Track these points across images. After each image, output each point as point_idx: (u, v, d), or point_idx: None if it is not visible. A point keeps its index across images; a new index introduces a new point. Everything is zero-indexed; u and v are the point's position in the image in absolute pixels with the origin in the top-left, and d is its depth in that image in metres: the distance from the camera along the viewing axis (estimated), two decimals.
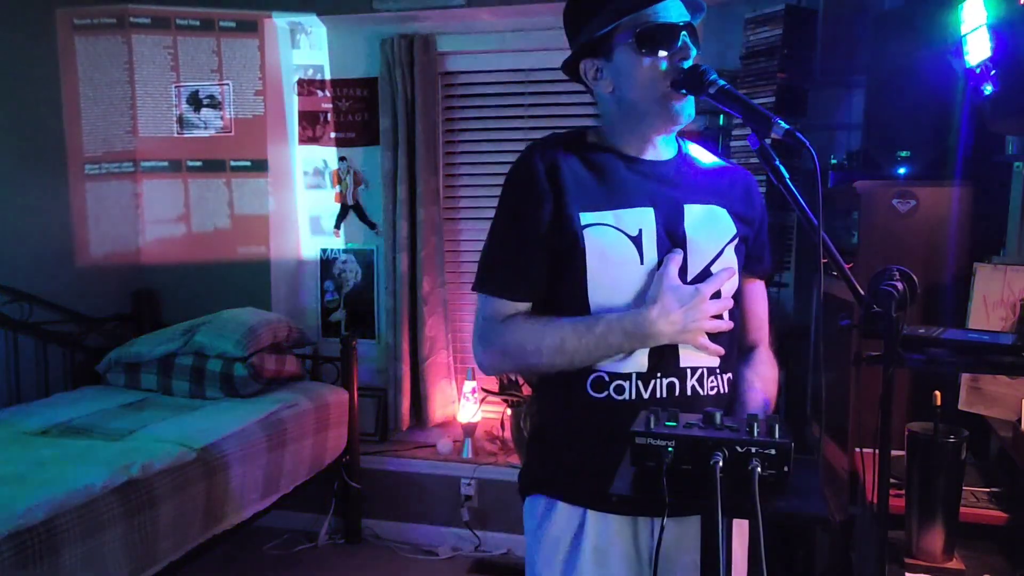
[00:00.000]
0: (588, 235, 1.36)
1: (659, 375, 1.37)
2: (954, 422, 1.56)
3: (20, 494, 2.12)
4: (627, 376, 1.37)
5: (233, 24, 3.66)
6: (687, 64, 1.34)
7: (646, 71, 1.35)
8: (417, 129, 3.49)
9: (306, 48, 3.77)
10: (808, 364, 3.08)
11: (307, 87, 3.79)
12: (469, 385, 3.55)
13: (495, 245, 1.45)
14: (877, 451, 1.21)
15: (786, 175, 1.28)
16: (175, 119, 3.79)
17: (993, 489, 1.79)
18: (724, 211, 1.44)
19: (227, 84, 3.72)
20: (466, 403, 3.55)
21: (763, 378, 1.49)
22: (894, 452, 1.25)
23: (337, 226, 3.83)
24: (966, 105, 2.19)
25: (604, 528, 1.41)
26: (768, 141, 1.28)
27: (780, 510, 1.11)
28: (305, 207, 3.87)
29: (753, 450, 1.11)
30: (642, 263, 1.37)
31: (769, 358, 1.55)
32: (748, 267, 1.48)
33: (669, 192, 1.41)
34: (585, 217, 1.36)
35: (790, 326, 3.16)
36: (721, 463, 1.10)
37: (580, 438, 1.41)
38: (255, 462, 2.83)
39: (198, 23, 3.70)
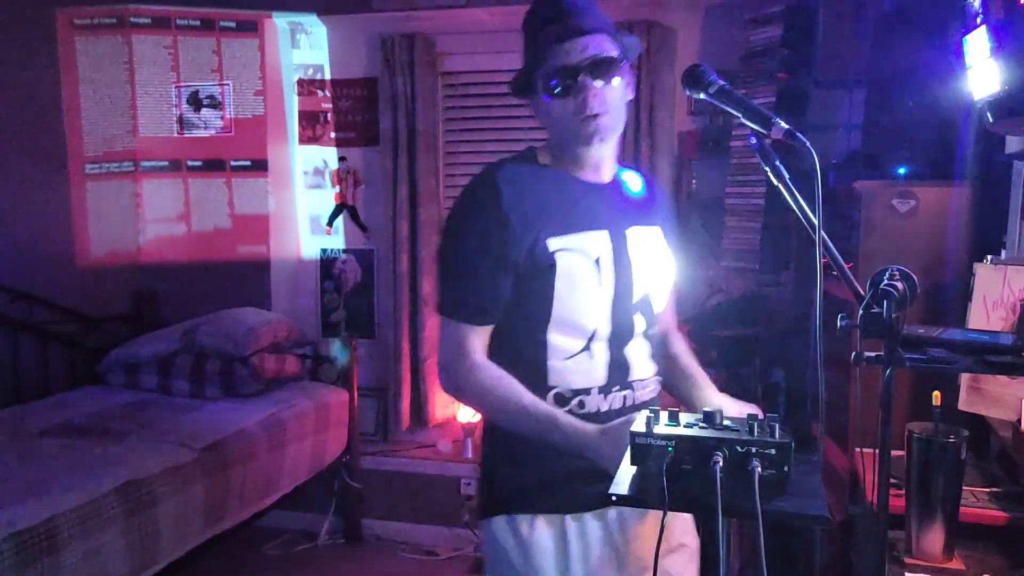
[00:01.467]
0: (559, 259, 1.39)
1: (616, 388, 1.45)
2: (954, 422, 1.56)
3: (20, 494, 2.12)
4: (588, 390, 1.43)
5: (233, 24, 3.66)
6: (589, 104, 1.37)
7: (555, 112, 1.41)
8: (417, 129, 3.49)
9: (306, 48, 3.77)
10: (808, 364, 3.08)
11: (307, 87, 3.79)
12: None
13: (462, 270, 1.44)
14: (877, 451, 1.21)
15: (786, 175, 1.28)
16: (175, 119, 3.79)
17: (993, 489, 1.79)
18: (658, 229, 1.54)
19: (227, 84, 3.72)
20: None
21: (689, 353, 1.65)
22: (894, 452, 1.25)
23: (330, 223, 3.82)
24: (966, 105, 2.19)
25: (583, 531, 1.45)
26: (768, 141, 1.29)
27: (780, 510, 1.11)
28: (305, 207, 3.87)
29: (753, 450, 1.11)
30: (600, 286, 1.41)
31: (683, 339, 1.70)
32: None
33: (616, 216, 1.47)
34: (552, 243, 1.39)
35: (790, 326, 3.16)
36: (721, 463, 1.10)
37: (549, 452, 1.40)
38: (255, 461, 2.83)
39: (198, 23, 3.70)
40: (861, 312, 1.20)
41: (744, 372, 3.12)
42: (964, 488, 1.57)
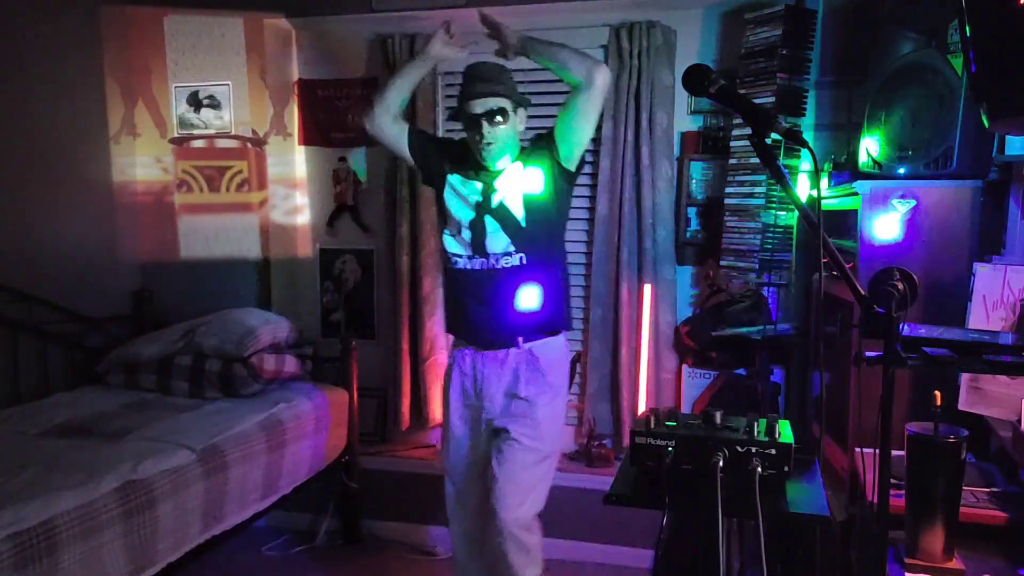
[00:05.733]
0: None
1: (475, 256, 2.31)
2: (954, 422, 1.56)
3: (19, 494, 2.12)
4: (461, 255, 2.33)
5: (233, 24, 3.66)
6: (487, 138, 2.24)
7: (472, 139, 2.29)
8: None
9: (306, 48, 3.76)
10: (808, 364, 3.08)
11: (307, 87, 3.78)
12: None
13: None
14: (877, 451, 1.21)
15: (786, 175, 1.28)
16: (175, 119, 3.79)
17: (993, 489, 1.79)
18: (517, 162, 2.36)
19: (227, 84, 3.72)
20: None
21: None
22: (894, 452, 1.25)
23: (330, 224, 3.82)
24: (966, 104, 2.19)
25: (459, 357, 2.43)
26: (768, 141, 1.28)
27: (780, 510, 1.11)
28: (305, 207, 3.87)
29: (753, 450, 1.11)
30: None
31: None
32: None
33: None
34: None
35: (790, 326, 3.16)
36: (721, 463, 1.10)
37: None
38: (255, 462, 2.83)
39: (199, 23, 3.70)
40: (861, 312, 1.20)
41: (744, 372, 3.13)
42: (964, 488, 1.57)
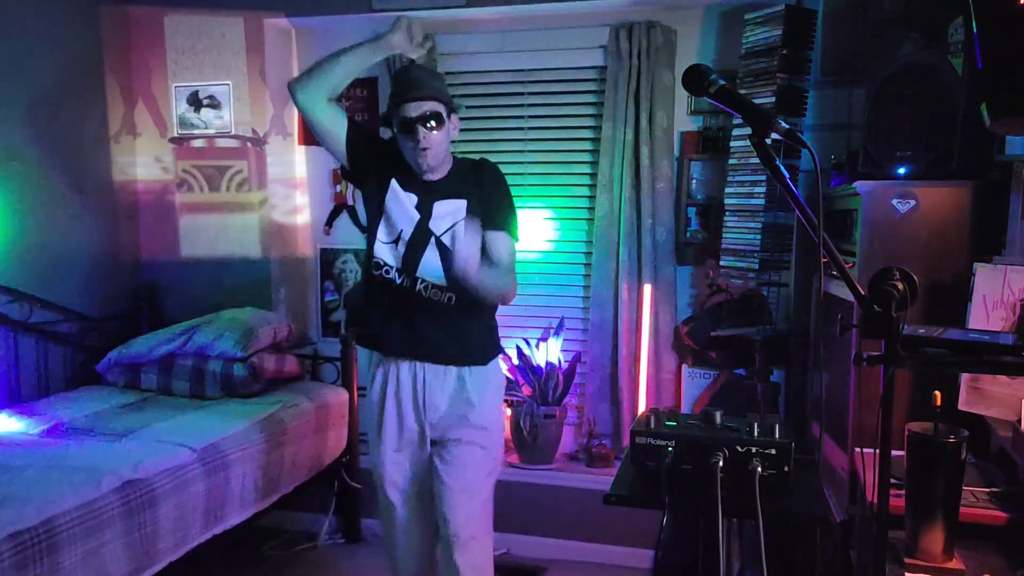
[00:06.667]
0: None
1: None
2: (954, 422, 1.56)
3: (20, 494, 2.12)
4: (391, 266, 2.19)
5: (233, 24, 3.66)
6: (422, 143, 2.10)
7: (406, 145, 2.15)
8: None
9: (306, 48, 3.76)
10: (808, 364, 3.08)
11: None
12: None
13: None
14: (877, 451, 1.21)
15: (786, 175, 1.28)
16: (175, 119, 3.79)
17: (993, 489, 1.79)
18: (463, 201, 2.20)
19: (227, 84, 3.72)
20: None
21: None
22: (894, 452, 1.25)
23: (329, 223, 3.82)
24: (965, 105, 2.19)
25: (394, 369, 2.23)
26: (768, 141, 1.28)
27: (780, 510, 1.11)
28: (305, 207, 3.87)
29: (754, 450, 1.11)
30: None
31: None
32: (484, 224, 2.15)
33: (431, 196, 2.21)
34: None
35: (790, 326, 3.16)
36: (721, 463, 1.10)
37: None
38: (255, 462, 2.83)
39: (199, 23, 3.70)
40: (861, 312, 1.20)
41: (744, 372, 3.13)
42: (964, 488, 1.57)
